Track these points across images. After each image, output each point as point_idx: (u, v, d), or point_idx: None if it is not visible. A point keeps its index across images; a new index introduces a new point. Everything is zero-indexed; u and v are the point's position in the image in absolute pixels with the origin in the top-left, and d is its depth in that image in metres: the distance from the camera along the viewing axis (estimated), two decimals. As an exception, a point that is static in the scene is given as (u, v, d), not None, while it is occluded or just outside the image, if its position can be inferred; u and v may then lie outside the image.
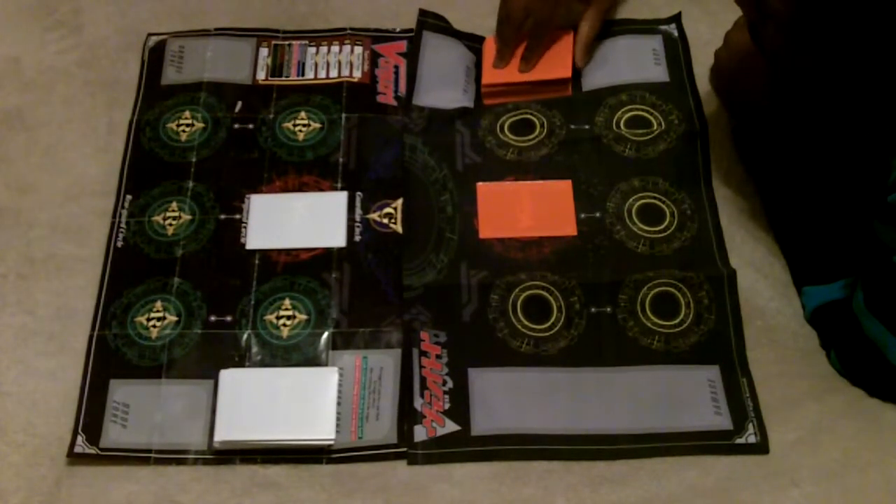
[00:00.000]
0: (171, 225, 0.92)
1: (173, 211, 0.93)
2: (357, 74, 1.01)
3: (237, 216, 0.93)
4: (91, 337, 0.86)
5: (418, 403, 0.83)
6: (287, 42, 1.04)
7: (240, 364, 0.85)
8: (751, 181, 0.94)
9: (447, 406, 0.83)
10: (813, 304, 0.86)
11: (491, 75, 1.00)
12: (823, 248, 0.87)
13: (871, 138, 0.79)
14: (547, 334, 0.86)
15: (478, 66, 1.02)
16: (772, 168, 0.92)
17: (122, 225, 0.92)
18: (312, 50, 1.03)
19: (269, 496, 0.78)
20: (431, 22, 1.04)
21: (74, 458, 0.80)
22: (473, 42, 1.04)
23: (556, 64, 0.99)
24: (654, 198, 0.93)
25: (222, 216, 0.93)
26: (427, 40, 1.03)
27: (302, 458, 0.80)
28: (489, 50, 1.02)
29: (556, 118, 0.98)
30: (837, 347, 0.84)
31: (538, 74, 0.99)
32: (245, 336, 0.86)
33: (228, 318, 0.87)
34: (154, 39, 1.04)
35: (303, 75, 1.02)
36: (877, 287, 0.77)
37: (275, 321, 0.87)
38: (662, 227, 0.91)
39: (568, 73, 0.99)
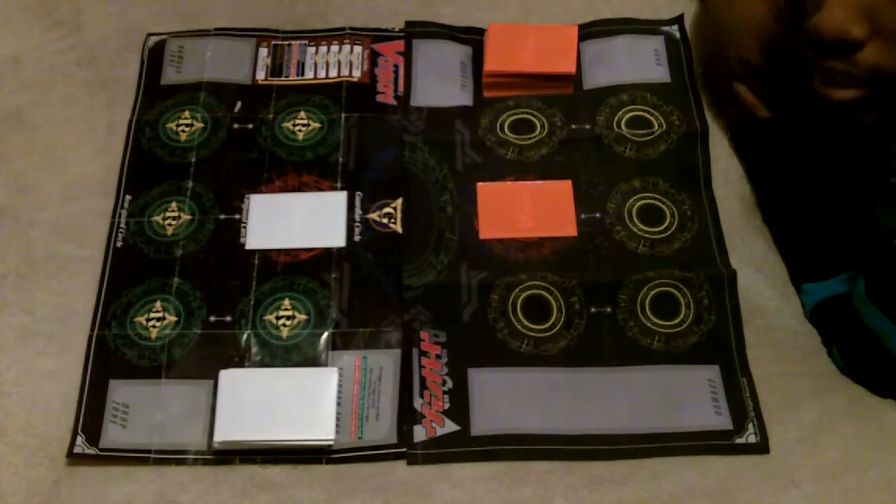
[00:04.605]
0: (170, 225, 0.92)
1: (173, 211, 0.93)
2: (356, 74, 1.01)
3: (237, 216, 0.92)
4: (91, 337, 0.86)
5: (418, 403, 0.82)
6: (287, 42, 1.04)
7: (239, 364, 0.85)
8: (751, 181, 0.94)
9: (447, 406, 0.83)
10: (813, 300, 0.86)
11: (494, 63, 1.00)
12: (822, 246, 0.87)
13: (871, 133, 0.79)
14: (547, 334, 0.86)
15: (474, 59, 1.02)
16: (772, 168, 0.92)
17: (122, 225, 0.92)
18: (312, 50, 1.03)
19: (268, 496, 0.78)
20: (419, 31, 1.03)
21: (74, 458, 0.80)
22: (469, 34, 1.03)
23: (561, 59, 0.99)
24: (655, 198, 0.93)
25: (222, 216, 0.92)
26: (417, 48, 1.02)
27: (302, 459, 0.80)
28: (494, 37, 1.01)
29: (557, 117, 0.98)
30: (839, 342, 0.83)
31: (543, 67, 0.99)
32: (245, 336, 0.86)
33: (228, 319, 0.87)
34: (154, 39, 1.04)
35: (302, 75, 1.01)
36: (878, 274, 0.77)
37: (274, 321, 0.87)
38: (662, 227, 0.91)
39: (572, 69, 0.98)
